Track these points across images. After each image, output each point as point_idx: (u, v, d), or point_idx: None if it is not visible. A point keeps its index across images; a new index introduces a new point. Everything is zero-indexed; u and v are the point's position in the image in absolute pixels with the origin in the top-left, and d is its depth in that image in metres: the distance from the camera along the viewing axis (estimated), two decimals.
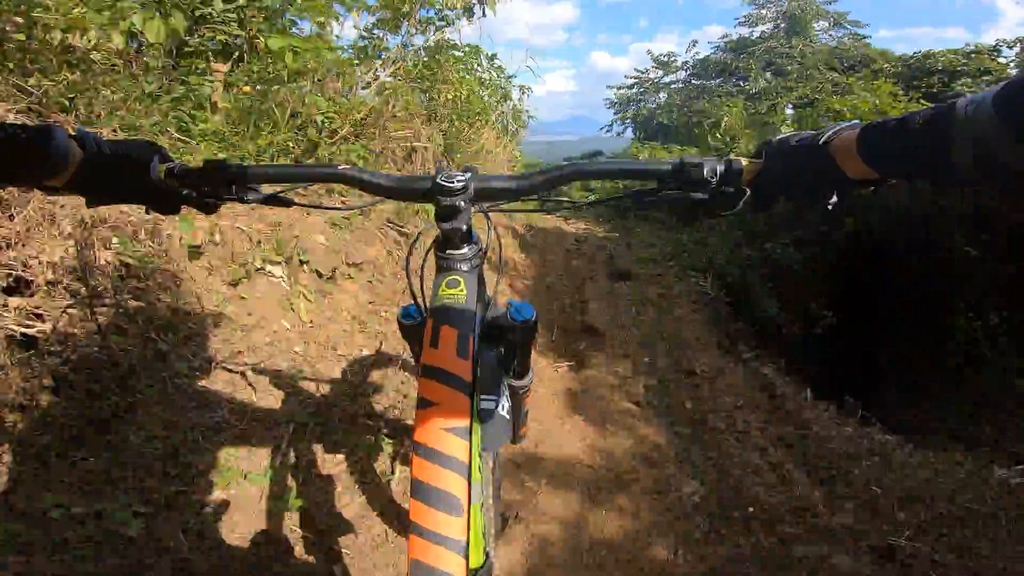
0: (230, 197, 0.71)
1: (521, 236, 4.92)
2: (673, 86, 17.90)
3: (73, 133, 0.66)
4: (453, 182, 0.68)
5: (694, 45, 18.25)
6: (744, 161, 0.64)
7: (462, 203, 0.69)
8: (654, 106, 17.97)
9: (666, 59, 17.92)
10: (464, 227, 0.72)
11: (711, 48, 17.31)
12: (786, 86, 15.14)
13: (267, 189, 0.77)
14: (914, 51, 11.86)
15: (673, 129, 15.65)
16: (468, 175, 0.70)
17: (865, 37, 15.87)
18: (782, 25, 16.26)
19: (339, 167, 0.72)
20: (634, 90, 18.47)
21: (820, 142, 0.60)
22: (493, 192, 0.72)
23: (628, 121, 18.99)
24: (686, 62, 17.82)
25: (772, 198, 0.66)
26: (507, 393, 0.82)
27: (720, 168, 0.63)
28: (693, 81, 17.56)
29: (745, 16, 16.79)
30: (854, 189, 0.62)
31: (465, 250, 0.75)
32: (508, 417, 0.80)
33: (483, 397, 0.73)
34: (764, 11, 16.47)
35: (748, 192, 0.64)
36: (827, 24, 16.44)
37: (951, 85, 9.00)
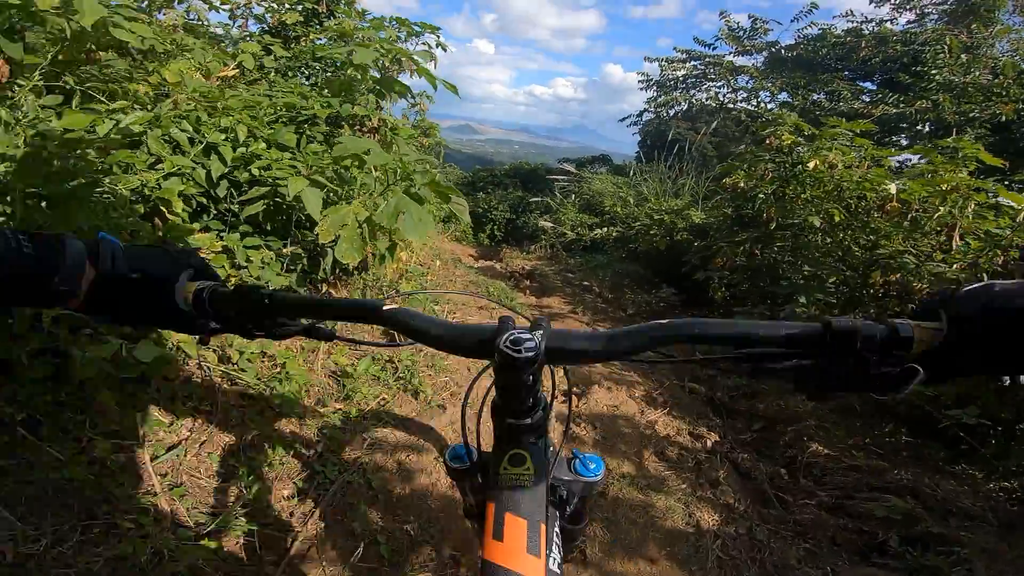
0: (261, 334, 0.65)
1: None
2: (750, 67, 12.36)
3: (87, 243, 0.56)
4: (521, 351, 0.53)
5: (813, 10, 11.44)
6: (914, 326, 0.49)
7: (531, 378, 0.56)
8: (711, 95, 12.58)
9: (749, 27, 11.97)
10: (532, 399, 0.60)
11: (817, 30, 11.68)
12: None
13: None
14: None
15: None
16: (540, 334, 0.55)
17: None
18: (947, 9, 12.31)
19: (384, 306, 0.61)
20: (688, 66, 12.89)
21: None
22: (568, 354, 0.58)
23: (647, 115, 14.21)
24: (774, 43, 12.09)
25: (954, 374, 0.50)
26: (559, 542, 0.69)
27: (879, 335, 0.48)
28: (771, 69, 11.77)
29: None
30: None
31: (531, 420, 0.62)
32: (559, 572, 0.68)
33: None
34: None
35: (920, 372, 0.48)
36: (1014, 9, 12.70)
37: None
